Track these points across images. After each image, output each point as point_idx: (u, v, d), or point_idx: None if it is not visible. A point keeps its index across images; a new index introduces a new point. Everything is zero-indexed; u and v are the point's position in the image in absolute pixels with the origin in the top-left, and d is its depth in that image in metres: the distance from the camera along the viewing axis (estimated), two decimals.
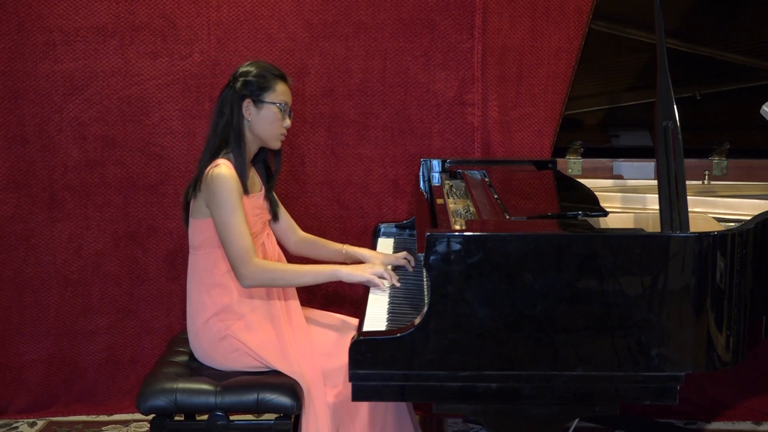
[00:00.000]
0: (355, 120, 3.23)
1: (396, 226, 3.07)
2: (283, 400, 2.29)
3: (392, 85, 3.21)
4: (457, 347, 1.95)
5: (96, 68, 3.15)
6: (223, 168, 2.35)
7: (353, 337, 1.98)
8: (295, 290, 2.55)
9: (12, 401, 3.29)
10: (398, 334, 1.96)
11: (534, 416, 2.01)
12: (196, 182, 2.41)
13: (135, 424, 3.22)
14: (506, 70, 3.22)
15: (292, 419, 2.36)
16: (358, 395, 2.00)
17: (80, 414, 3.29)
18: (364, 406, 2.36)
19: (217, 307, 2.42)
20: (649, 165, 3.05)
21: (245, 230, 2.34)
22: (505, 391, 1.98)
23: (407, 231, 3.04)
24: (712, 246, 1.97)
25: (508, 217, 2.24)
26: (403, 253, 2.61)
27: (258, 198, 2.51)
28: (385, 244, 2.92)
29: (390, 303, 2.30)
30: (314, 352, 2.41)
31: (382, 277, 2.38)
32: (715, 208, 2.70)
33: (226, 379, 2.35)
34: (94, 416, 3.29)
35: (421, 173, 3.13)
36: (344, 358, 2.00)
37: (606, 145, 3.15)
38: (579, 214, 2.27)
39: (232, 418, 2.32)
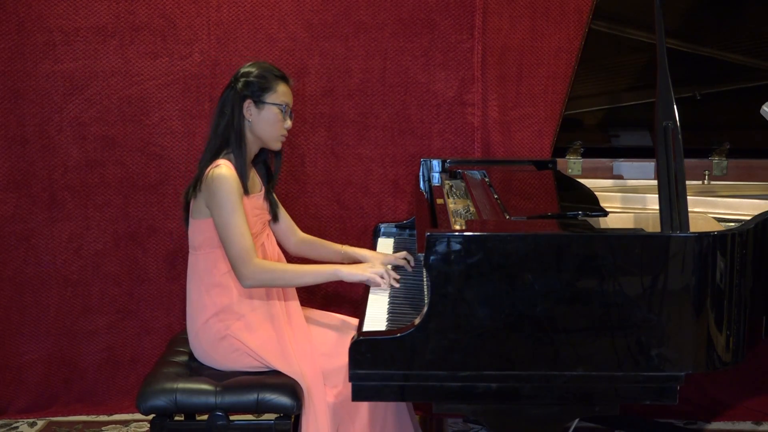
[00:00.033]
0: (355, 120, 3.23)
1: (396, 226, 3.07)
2: (283, 400, 2.29)
3: (392, 85, 3.20)
4: (457, 347, 1.95)
5: (96, 68, 3.15)
6: (223, 168, 2.35)
7: (353, 337, 1.98)
8: (295, 290, 2.55)
9: (12, 401, 3.29)
10: (398, 334, 1.96)
11: (534, 416, 2.01)
12: (196, 182, 2.41)
13: (135, 424, 3.22)
14: (506, 70, 3.22)
15: (292, 419, 2.36)
16: (358, 395, 1.99)
17: (80, 414, 3.29)
18: (364, 406, 2.36)
19: (217, 307, 2.42)
20: (649, 165, 3.05)
21: (246, 230, 2.34)
22: (505, 391, 1.98)
23: (407, 231, 3.04)
24: (712, 246, 1.97)
25: (508, 217, 2.23)
26: (403, 253, 2.61)
27: (258, 198, 2.51)
28: (385, 244, 2.91)
29: (390, 303, 2.30)
30: (314, 352, 2.41)
31: (382, 277, 2.38)
32: (715, 208, 2.70)
33: (226, 379, 2.35)
34: (94, 416, 3.28)
35: (421, 173, 3.13)
36: (344, 358, 2.00)
37: (606, 145, 3.15)
38: (579, 214, 2.27)
39: (232, 418, 2.32)
